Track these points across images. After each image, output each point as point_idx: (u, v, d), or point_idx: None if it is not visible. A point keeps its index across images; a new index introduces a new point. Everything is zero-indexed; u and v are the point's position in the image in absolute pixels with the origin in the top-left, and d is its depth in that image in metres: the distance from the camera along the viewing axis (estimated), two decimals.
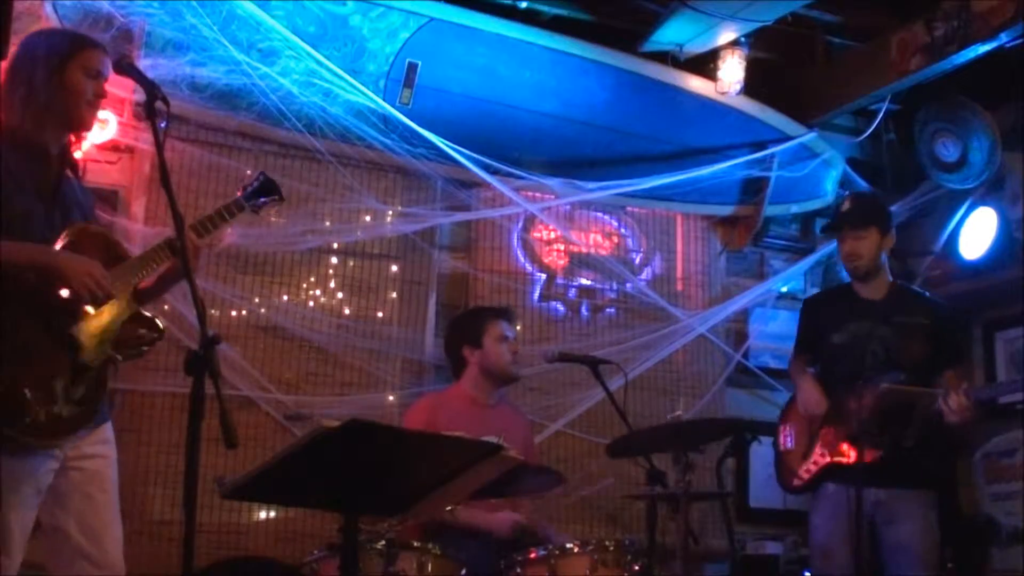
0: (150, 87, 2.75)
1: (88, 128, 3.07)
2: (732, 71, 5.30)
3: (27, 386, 2.73)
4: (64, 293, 2.81)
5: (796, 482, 4.19)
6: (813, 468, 4.12)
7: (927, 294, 4.55)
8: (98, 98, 3.01)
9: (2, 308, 2.73)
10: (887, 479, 3.85)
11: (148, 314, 3.04)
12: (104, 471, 2.97)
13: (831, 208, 4.37)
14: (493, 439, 2.62)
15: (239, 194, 3.28)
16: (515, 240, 5.37)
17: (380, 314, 5.02)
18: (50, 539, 2.89)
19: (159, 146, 2.66)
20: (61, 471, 2.87)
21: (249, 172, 4.75)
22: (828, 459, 4.07)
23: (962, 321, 5.41)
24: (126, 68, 2.88)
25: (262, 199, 3.32)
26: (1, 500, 2.72)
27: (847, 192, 4.47)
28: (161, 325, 3.07)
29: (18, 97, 2.94)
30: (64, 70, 2.93)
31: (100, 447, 2.97)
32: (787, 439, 4.28)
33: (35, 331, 2.78)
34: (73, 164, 3.08)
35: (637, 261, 5.64)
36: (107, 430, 3.03)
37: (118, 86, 3.87)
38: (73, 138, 3.07)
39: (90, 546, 2.87)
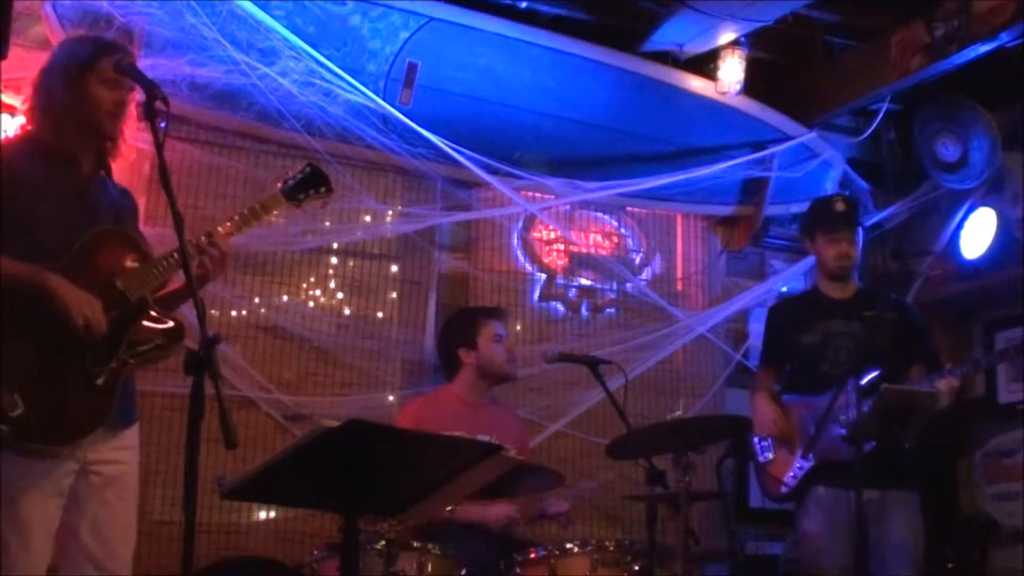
0: (150, 87, 2.73)
1: (114, 137, 3.01)
2: (732, 71, 5.31)
3: (26, 392, 2.70)
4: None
5: (783, 489, 4.18)
6: (799, 473, 4.12)
7: (891, 294, 4.59)
8: (119, 106, 2.97)
9: (5, 315, 2.71)
10: (880, 479, 3.86)
11: (169, 318, 2.95)
12: (123, 477, 2.94)
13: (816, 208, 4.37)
14: (485, 438, 2.62)
15: (278, 187, 3.19)
16: (515, 240, 5.37)
17: (380, 314, 5.01)
18: (62, 538, 2.87)
19: (159, 146, 2.64)
20: (82, 474, 2.85)
21: (248, 170, 4.78)
22: (814, 462, 4.06)
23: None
24: (126, 68, 2.87)
25: (308, 192, 3.22)
26: (22, 497, 2.72)
27: (834, 193, 4.45)
28: (181, 331, 2.94)
29: (40, 106, 2.96)
30: (82, 80, 2.92)
31: (121, 452, 2.94)
32: (764, 451, 4.27)
33: (39, 338, 2.75)
34: (107, 168, 3.06)
35: (637, 261, 5.64)
36: (130, 435, 2.99)
37: None
38: (109, 144, 3.03)
39: (98, 550, 2.86)
